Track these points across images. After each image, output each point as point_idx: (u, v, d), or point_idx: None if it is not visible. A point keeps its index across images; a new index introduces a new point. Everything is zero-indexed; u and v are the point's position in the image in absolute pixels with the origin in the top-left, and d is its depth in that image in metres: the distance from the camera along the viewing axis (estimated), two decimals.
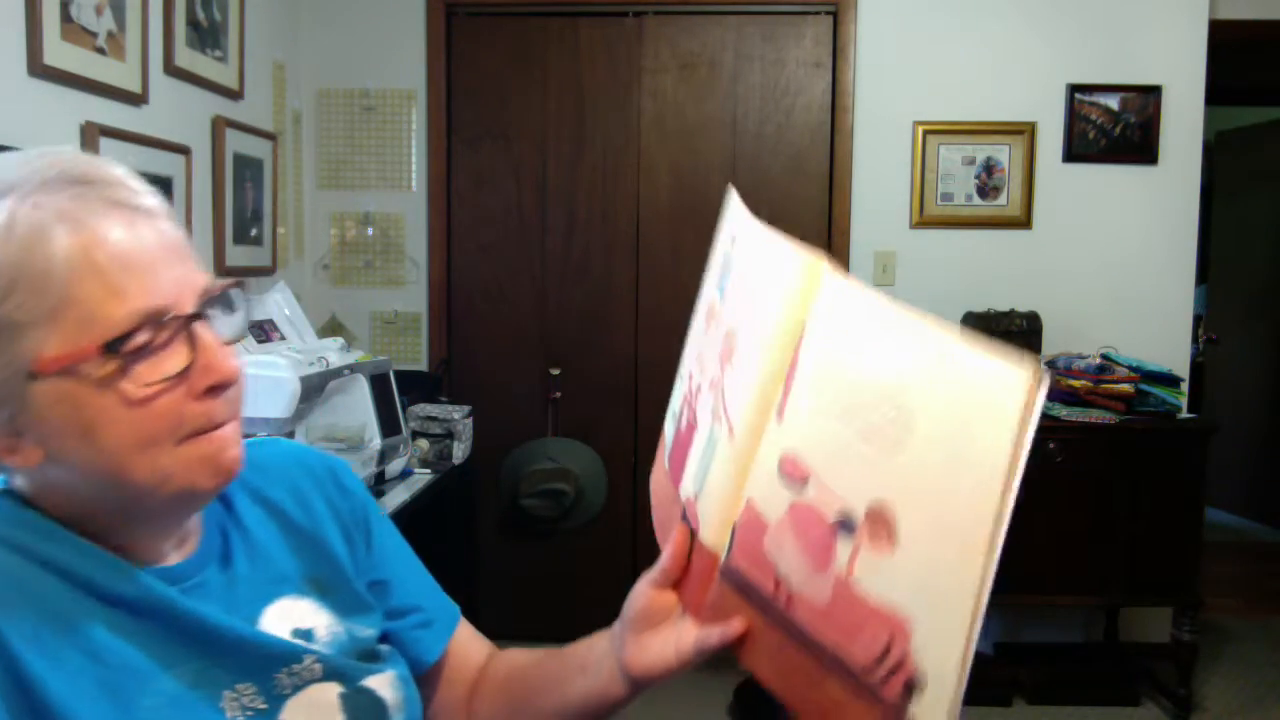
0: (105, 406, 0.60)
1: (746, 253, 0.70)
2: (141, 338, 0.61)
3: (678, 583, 0.73)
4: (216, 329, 0.66)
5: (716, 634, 0.67)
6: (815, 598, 0.60)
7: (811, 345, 0.61)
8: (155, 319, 0.61)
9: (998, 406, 0.51)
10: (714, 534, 0.68)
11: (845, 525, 0.58)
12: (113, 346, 0.60)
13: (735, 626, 0.66)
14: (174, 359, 0.62)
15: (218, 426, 0.65)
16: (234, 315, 0.68)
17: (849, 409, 0.58)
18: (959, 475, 0.52)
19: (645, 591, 0.73)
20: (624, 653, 0.74)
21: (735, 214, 0.74)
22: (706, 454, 0.70)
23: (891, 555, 0.55)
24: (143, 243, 0.62)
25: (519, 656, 0.87)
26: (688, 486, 0.73)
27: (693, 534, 0.71)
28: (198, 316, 0.64)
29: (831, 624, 0.59)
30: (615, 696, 0.76)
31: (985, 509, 0.51)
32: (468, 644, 0.88)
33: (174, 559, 0.69)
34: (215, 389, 0.64)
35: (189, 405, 0.63)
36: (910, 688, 0.55)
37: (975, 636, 0.52)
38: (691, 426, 0.74)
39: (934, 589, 0.54)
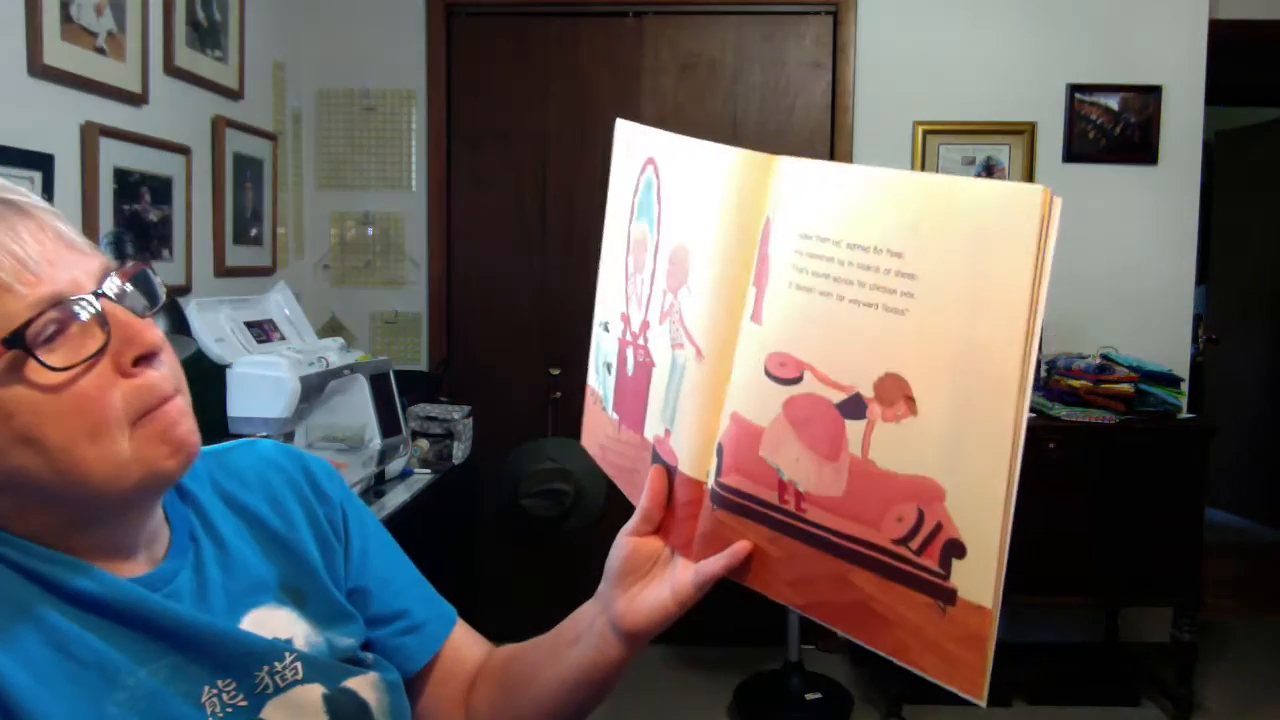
0: (32, 403, 0.59)
1: (680, 170, 0.68)
2: (44, 323, 0.59)
3: (659, 526, 0.70)
4: (130, 306, 0.64)
5: (720, 561, 0.64)
6: (829, 490, 0.58)
7: (782, 235, 0.59)
8: (55, 304, 0.59)
9: (1011, 233, 0.49)
10: (696, 461, 0.65)
11: (853, 407, 0.56)
12: (14, 338, 0.58)
13: (740, 547, 0.63)
14: (91, 342, 0.61)
15: (165, 400, 0.63)
16: (147, 292, 0.66)
17: (839, 284, 0.56)
18: (976, 318, 0.51)
19: (627, 543, 0.71)
20: (615, 611, 0.71)
21: (645, 140, 0.72)
22: (673, 386, 0.67)
23: (912, 423, 0.54)
24: (24, 238, 0.60)
25: (513, 647, 0.85)
26: (654, 426, 0.70)
27: (670, 471, 0.68)
28: (101, 295, 0.62)
29: (852, 512, 0.57)
30: (611, 659, 0.73)
31: (1011, 347, 0.50)
32: (462, 646, 0.86)
33: (143, 569, 0.68)
34: (142, 360, 0.63)
35: (122, 384, 0.62)
36: (950, 553, 0.53)
37: (1014, 489, 0.50)
38: (646, 366, 0.71)
39: (964, 445, 0.52)
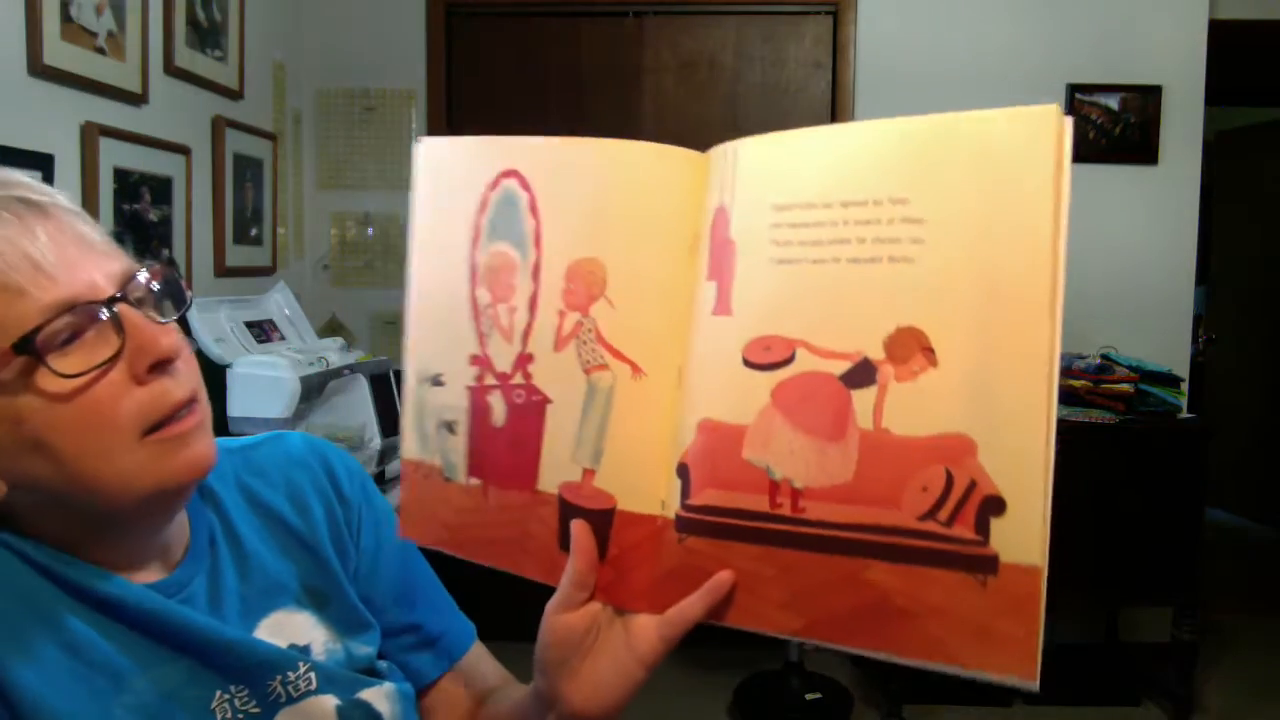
0: (43, 410, 0.57)
1: (569, 177, 0.61)
2: (56, 329, 0.57)
3: (594, 589, 0.61)
4: (149, 311, 0.62)
5: (698, 602, 0.57)
6: (835, 476, 0.52)
7: (749, 215, 0.55)
8: (69, 309, 0.58)
9: (1027, 156, 0.47)
10: (646, 492, 0.58)
11: (860, 374, 0.52)
12: (25, 343, 0.56)
13: (721, 579, 0.56)
14: (105, 348, 0.59)
15: (178, 410, 0.61)
16: (172, 295, 0.64)
17: (834, 247, 0.52)
18: (997, 252, 0.48)
19: (559, 623, 0.61)
20: (569, 704, 0.62)
21: (494, 152, 0.64)
22: (592, 416, 0.60)
23: (932, 377, 0.50)
24: (40, 239, 0.58)
25: (507, 698, 0.80)
26: (559, 471, 0.61)
27: (600, 517, 0.60)
28: (118, 300, 0.60)
29: (865, 496, 0.52)
30: None
31: (1038, 275, 0.47)
32: (474, 670, 0.83)
33: (159, 575, 0.67)
34: (156, 367, 0.60)
35: (136, 392, 0.60)
36: (988, 512, 0.49)
37: (1054, 428, 0.47)
38: (535, 405, 0.62)
39: (995, 388, 0.48)
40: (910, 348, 0.50)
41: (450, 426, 0.67)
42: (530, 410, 0.63)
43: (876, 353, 0.51)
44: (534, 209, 0.62)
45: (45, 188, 0.62)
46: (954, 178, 0.49)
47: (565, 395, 0.61)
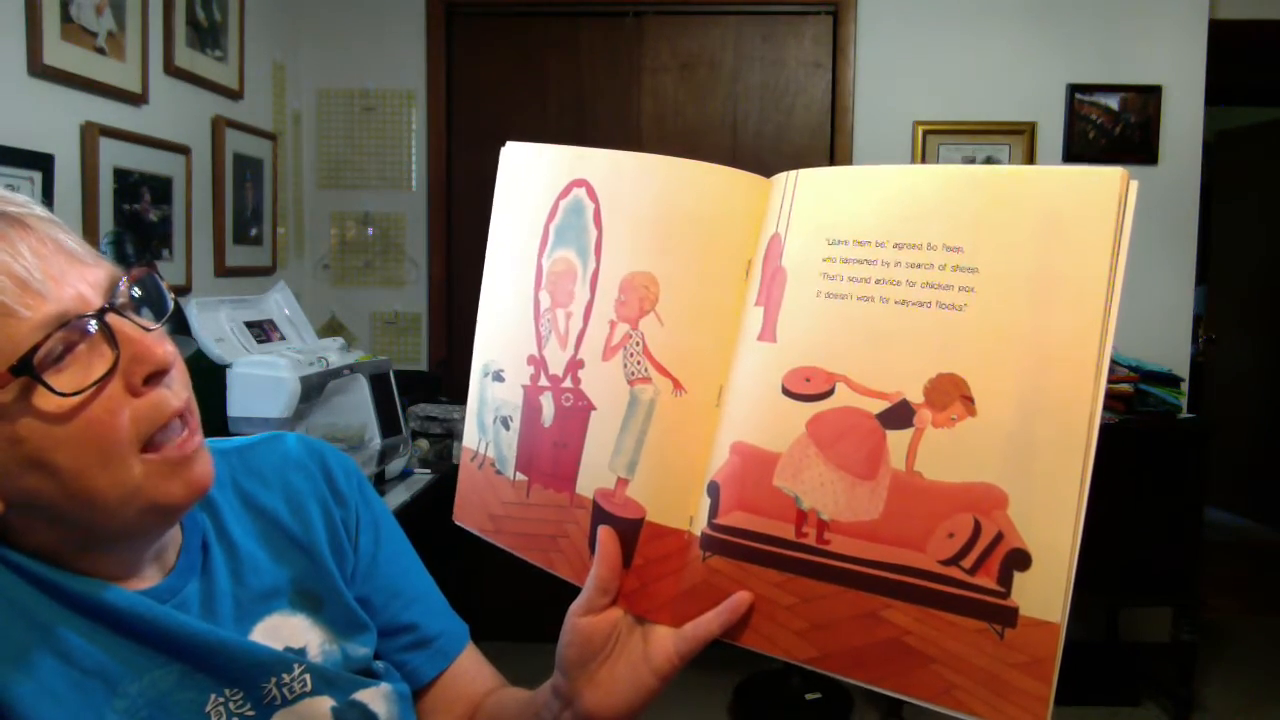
0: (43, 430, 0.56)
1: (634, 191, 0.63)
2: (51, 346, 0.56)
3: (617, 594, 0.62)
4: (138, 318, 0.61)
5: (715, 620, 0.57)
6: (862, 513, 0.52)
7: (802, 246, 0.56)
8: (61, 325, 0.57)
9: (1087, 218, 0.47)
10: (675, 507, 0.59)
11: (897, 415, 0.52)
12: (23, 365, 0.55)
13: (739, 599, 0.56)
14: (100, 361, 0.58)
15: (175, 419, 0.61)
16: (154, 301, 0.64)
17: (882, 287, 0.52)
18: (1048, 308, 0.48)
19: (581, 625, 0.62)
20: (585, 705, 0.63)
21: (567, 161, 0.66)
22: (630, 427, 0.61)
23: (969, 426, 0.50)
24: (25, 255, 0.57)
25: (510, 699, 0.80)
26: (596, 477, 0.63)
27: (629, 526, 0.61)
28: (108, 310, 0.59)
29: (890, 536, 0.52)
30: None
31: (1087, 335, 0.47)
32: (469, 672, 0.82)
33: (152, 581, 0.67)
34: (152, 378, 0.60)
35: (133, 404, 0.59)
36: (1012, 565, 0.49)
37: (1087, 486, 0.47)
38: (579, 411, 0.64)
39: (1033, 443, 0.48)
40: (950, 395, 0.50)
41: (505, 422, 0.69)
42: (575, 415, 0.64)
43: (916, 396, 0.51)
44: (598, 219, 0.64)
45: (20, 197, 0.60)
46: (1013, 233, 0.49)
47: (609, 404, 0.62)
